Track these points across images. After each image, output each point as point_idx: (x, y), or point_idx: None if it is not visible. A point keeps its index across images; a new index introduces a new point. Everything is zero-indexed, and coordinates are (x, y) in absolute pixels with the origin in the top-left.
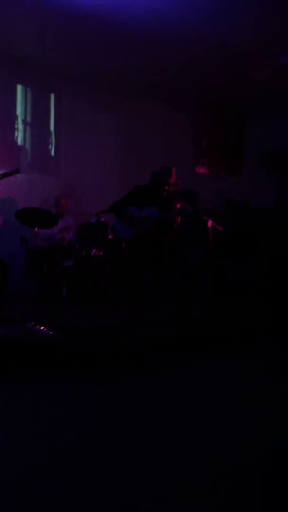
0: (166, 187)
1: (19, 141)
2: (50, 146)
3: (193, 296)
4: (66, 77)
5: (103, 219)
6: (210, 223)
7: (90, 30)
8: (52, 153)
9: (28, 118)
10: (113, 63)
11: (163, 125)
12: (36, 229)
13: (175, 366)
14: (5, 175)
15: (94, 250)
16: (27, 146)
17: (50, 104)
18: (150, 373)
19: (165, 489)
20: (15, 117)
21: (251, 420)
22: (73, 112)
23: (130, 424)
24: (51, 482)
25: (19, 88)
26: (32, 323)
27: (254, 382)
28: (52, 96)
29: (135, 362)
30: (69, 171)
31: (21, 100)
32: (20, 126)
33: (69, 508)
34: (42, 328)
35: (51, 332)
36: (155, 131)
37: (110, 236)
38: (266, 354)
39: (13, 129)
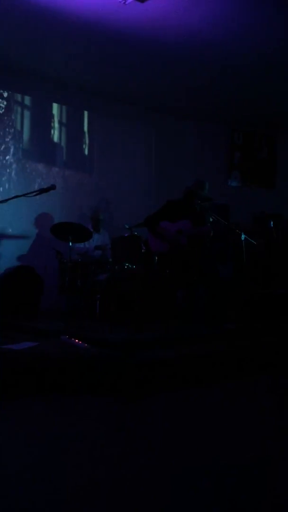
0: (199, 201)
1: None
2: (85, 168)
3: (224, 313)
4: (99, 95)
5: (136, 233)
6: (242, 236)
7: (123, 51)
8: (89, 175)
9: (64, 138)
10: (146, 82)
11: (195, 138)
12: (70, 243)
13: (203, 385)
14: (41, 191)
15: (127, 264)
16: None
17: (84, 121)
18: (178, 390)
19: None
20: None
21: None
22: (106, 127)
23: (150, 441)
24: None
25: (54, 106)
26: (67, 336)
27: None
28: (86, 114)
29: (163, 379)
30: (105, 189)
31: (57, 117)
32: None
33: None
34: (76, 340)
35: (86, 345)
36: (187, 144)
37: (143, 250)
38: None
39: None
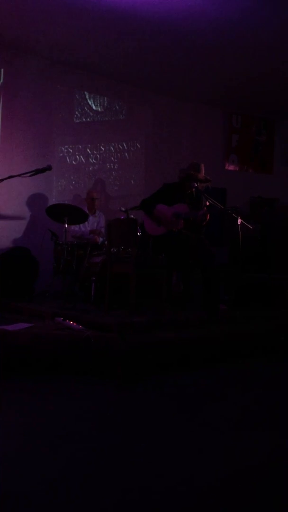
0: (195, 184)
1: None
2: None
3: (218, 298)
4: (96, 74)
5: (132, 216)
6: (239, 221)
7: (123, 30)
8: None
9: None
10: (144, 62)
11: (192, 120)
12: (66, 225)
13: (197, 368)
14: (37, 172)
15: (122, 247)
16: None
17: (86, 99)
18: (172, 373)
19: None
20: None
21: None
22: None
23: (144, 424)
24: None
25: (50, 83)
26: (61, 318)
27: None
28: (87, 93)
29: (158, 362)
30: (101, 171)
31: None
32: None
33: None
34: (71, 322)
35: (80, 326)
36: (185, 126)
37: (139, 233)
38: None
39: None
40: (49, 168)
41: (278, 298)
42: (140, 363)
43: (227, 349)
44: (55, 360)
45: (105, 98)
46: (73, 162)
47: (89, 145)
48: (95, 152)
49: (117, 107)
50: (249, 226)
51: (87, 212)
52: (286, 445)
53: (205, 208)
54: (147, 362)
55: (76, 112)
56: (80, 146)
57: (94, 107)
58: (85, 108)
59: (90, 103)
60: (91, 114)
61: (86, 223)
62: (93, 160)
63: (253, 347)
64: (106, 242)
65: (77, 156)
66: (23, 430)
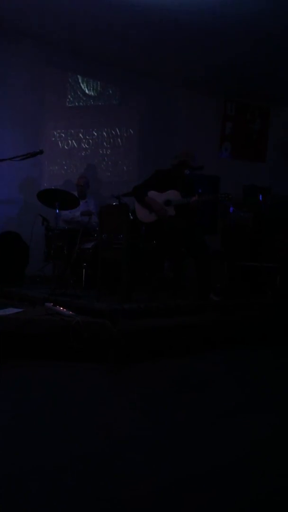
0: (188, 172)
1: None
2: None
3: (211, 285)
4: (92, 57)
5: (123, 202)
6: (231, 209)
7: (118, 15)
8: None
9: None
10: (139, 46)
11: (187, 107)
12: (57, 210)
13: (188, 355)
14: (28, 156)
15: (114, 233)
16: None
17: (79, 83)
18: (162, 360)
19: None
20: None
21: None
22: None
23: (135, 408)
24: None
25: (45, 67)
26: (51, 303)
27: (268, 376)
28: (79, 78)
29: (149, 348)
30: (93, 157)
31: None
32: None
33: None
34: (61, 308)
35: (70, 312)
36: (179, 113)
37: (130, 219)
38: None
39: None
40: (40, 152)
41: (269, 286)
42: (131, 349)
43: (218, 336)
44: (45, 345)
45: (99, 82)
46: (65, 147)
47: (82, 130)
48: (87, 137)
49: (110, 91)
50: (240, 213)
51: (77, 197)
52: (269, 433)
53: (197, 195)
54: (138, 348)
55: (69, 96)
56: (72, 131)
57: (87, 91)
58: (78, 92)
59: (83, 87)
60: (84, 98)
61: (77, 208)
62: (85, 145)
63: (244, 334)
64: (97, 228)
65: (69, 141)
66: (14, 416)
